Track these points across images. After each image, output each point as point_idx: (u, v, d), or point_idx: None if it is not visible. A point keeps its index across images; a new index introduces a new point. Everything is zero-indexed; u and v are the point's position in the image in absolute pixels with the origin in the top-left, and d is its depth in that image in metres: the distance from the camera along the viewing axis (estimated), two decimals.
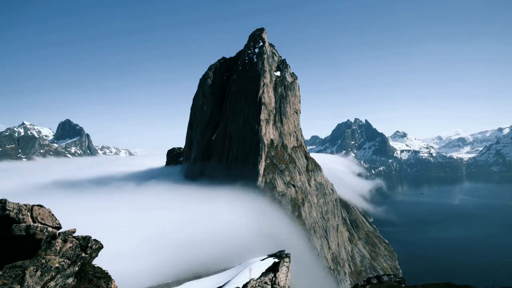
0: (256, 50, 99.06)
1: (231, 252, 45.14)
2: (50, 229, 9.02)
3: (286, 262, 19.05)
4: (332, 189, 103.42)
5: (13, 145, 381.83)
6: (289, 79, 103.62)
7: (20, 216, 8.31)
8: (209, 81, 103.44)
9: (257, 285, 15.80)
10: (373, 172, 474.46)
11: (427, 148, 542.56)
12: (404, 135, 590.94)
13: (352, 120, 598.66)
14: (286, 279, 17.79)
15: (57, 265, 8.77)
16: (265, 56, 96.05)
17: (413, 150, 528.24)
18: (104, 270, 10.87)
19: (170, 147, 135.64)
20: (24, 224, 8.33)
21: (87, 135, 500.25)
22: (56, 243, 9.18)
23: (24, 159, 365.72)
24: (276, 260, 20.17)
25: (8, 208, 8.12)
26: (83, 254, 10.05)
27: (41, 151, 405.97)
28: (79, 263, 9.85)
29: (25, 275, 7.79)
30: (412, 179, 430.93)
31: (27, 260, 8.36)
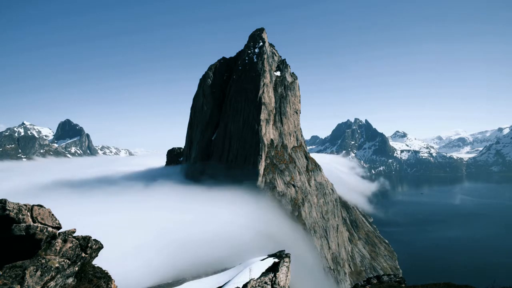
0: (256, 50, 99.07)
1: (231, 252, 45.11)
2: (50, 229, 9.02)
3: (286, 262, 19.05)
4: (332, 189, 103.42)
5: (13, 145, 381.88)
6: (289, 79, 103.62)
7: (20, 216, 8.31)
8: (209, 81, 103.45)
9: (257, 285, 15.80)
10: (373, 172, 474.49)
11: (427, 148, 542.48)
12: (404, 135, 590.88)
13: (352, 120, 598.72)
14: (286, 279, 17.80)
15: (57, 265, 8.77)
16: (265, 56, 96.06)
17: (413, 150, 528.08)
18: (104, 270, 10.86)
19: (170, 147, 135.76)
20: (24, 224, 8.33)
21: (87, 135, 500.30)
22: (56, 243, 9.18)
23: (24, 159, 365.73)
24: (276, 260, 20.17)
25: (8, 208, 8.12)
26: (83, 254, 10.05)
27: (41, 151, 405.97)
28: (79, 263, 9.85)
29: (25, 275, 7.79)
30: (412, 179, 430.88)
31: (27, 260, 8.36)
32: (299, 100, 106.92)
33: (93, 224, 47.31)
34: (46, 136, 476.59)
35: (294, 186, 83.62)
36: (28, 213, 8.60)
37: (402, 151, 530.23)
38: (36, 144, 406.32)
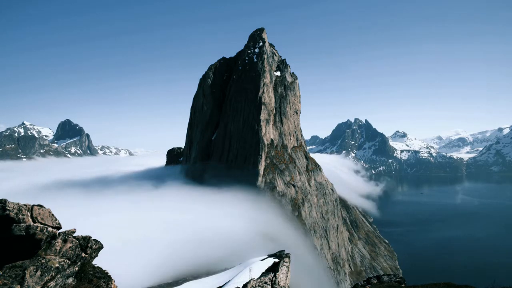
0: (256, 50, 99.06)
1: (231, 252, 45.13)
2: (50, 229, 9.02)
3: (286, 262, 19.04)
4: (332, 189, 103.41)
5: (13, 145, 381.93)
6: (289, 79, 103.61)
7: (20, 216, 8.31)
8: (209, 81, 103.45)
9: (257, 285, 15.80)
10: (373, 172, 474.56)
11: (427, 148, 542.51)
12: (404, 135, 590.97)
13: (352, 120, 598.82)
14: (286, 279, 17.80)
15: (57, 265, 8.77)
16: (265, 56, 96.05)
17: (413, 150, 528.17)
18: (104, 270, 10.86)
19: (170, 147, 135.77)
20: (24, 224, 8.32)
21: (87, 135, 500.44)
22: (56, 243, 9.17)
23: (24, 159, 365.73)
24: (276, 260, 20.17)
25: (8, 208, 8.11)
26: (83, 254, 10.04)
27: (41, 151, 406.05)
28: (79, 263, 9.85)
29: (25, 275, 7.79)
30: (412, 179, 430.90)
31: (27, 260, 8.35)
32: (299, 100, 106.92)
33: (93, 224, 47.33)
34: (46, 136, 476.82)
35: (294, 186, 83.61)
36: (28, 213, 8.59)
37: (402, 151, 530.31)
38: (36, 144, 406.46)
